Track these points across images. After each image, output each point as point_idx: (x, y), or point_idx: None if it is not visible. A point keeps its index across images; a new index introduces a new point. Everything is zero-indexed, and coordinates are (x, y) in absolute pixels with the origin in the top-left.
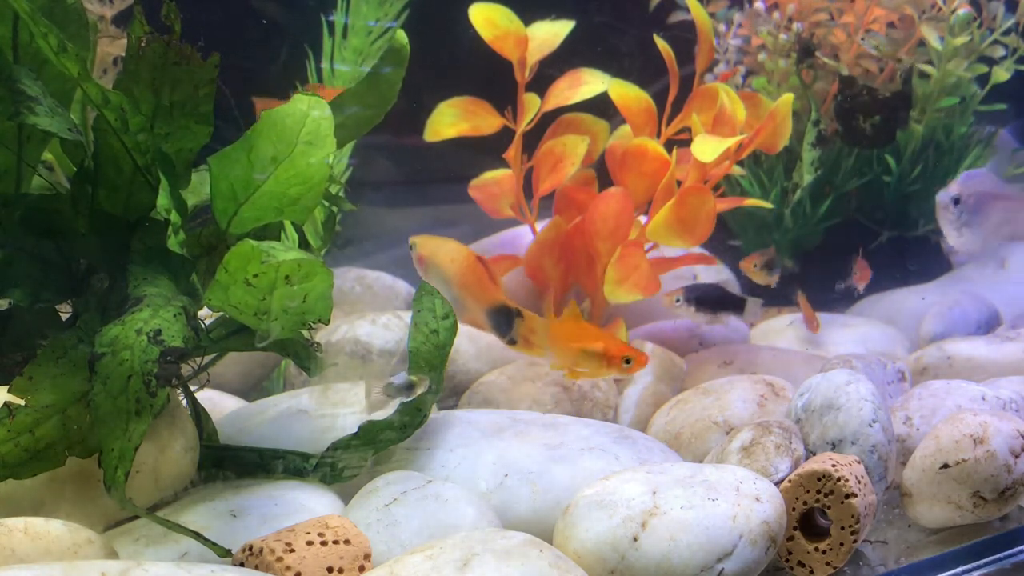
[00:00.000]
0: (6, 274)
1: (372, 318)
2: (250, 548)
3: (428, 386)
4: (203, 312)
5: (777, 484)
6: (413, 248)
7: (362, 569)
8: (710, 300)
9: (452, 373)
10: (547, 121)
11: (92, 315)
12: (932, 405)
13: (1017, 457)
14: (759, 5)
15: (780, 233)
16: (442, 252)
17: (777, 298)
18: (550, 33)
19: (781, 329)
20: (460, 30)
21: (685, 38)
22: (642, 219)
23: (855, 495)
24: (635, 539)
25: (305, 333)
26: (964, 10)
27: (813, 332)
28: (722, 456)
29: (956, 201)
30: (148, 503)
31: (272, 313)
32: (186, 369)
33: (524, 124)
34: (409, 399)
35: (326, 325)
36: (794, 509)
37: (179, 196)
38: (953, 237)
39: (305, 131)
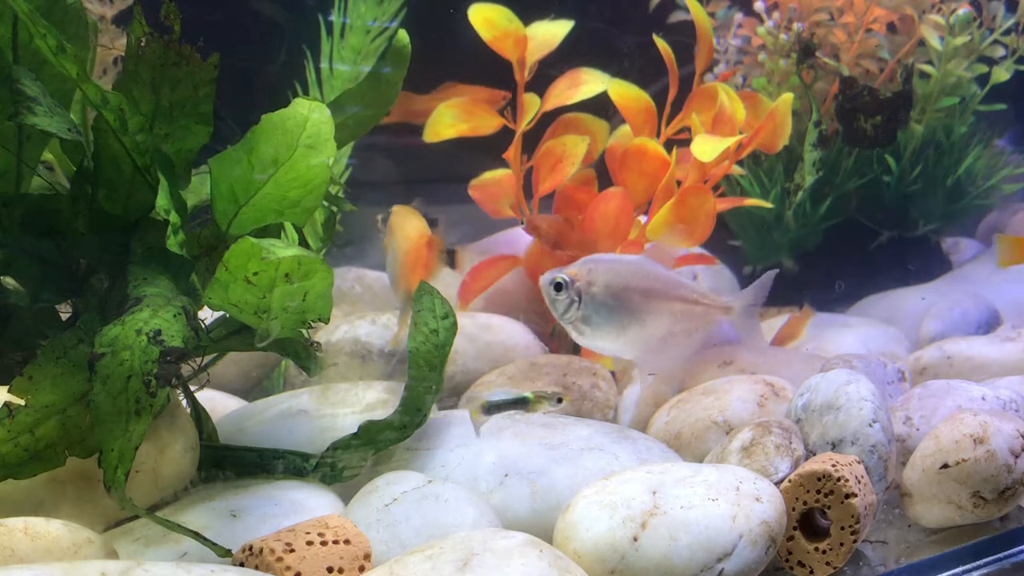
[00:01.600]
0: (6, 274)
1: (372, 318)
2: (250, 548)
3: (557, 399)
4: (203, 312)
5: (777, 484)
6: (387, 214)
7: (362, 569)
8: None
9: (452, 373)
10: (547, 121)
11: (92, 315)
12: (932, 405)
13: (1017, 457)
14: (759, 5)
15: (780, 233)
16: (406, 227)
17: (777, 298)
18: (549, 33)
19: None
20: (460, 30)
21: (684, 39)
22: (642, 219)
23: (855, 495)
24: (635, 539)
25: (305, 332)
26: (964, 10)
27: (767, 343)
28: (722, 456)
29: (559, 287)
30: (148, 503)
31: (272, 311)
32: (186, 369)
33: (524, 124)
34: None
35: (326, 324)
36: (794, 509)
37: (179, 196)
38: (571, 332)
39: (306, 134)
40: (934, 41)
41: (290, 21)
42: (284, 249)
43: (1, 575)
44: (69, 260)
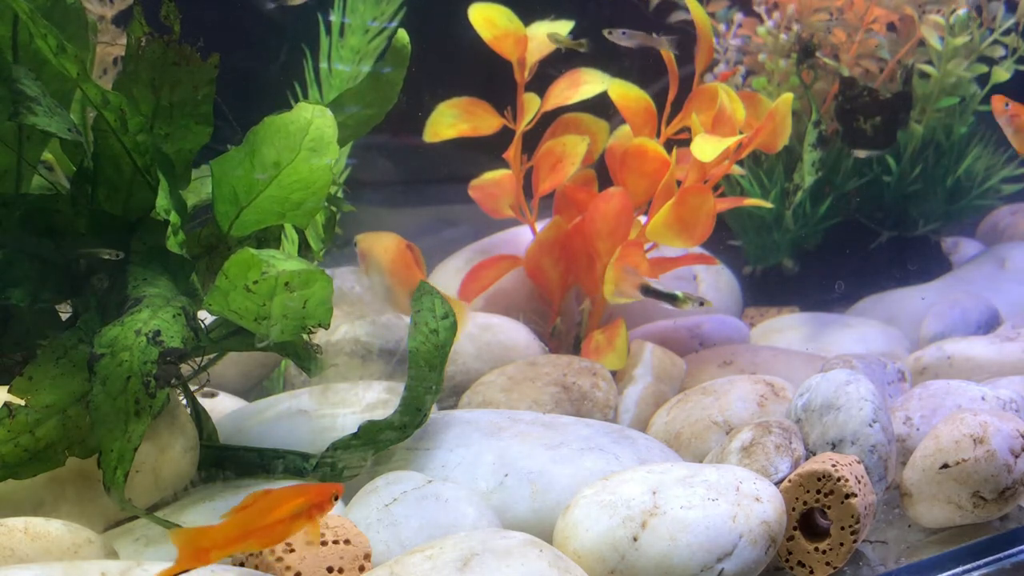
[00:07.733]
0: (6, 274)
1: (372, 318)
2: None
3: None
4: (202, 312)
5: (777, 484)
6: (356, 245)
7: (362, 569)
8: None
9: (452, 373)
10: (547, 121)
11: (92, 315)
12: (932, 405)
13: (1017, 457)
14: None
15: (780, 233)
16: (378, 246)
17: (777, 298)
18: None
19: (781, 329)
20: (460, 30)
21: (685, 36)
22: (642, 219)
23: (855, 495)
24: (635, 539)
25: (304, 336)
26: (964, 10)
27: None
28: (722, 456)
29: None
30: (148, 503)
31: (272, 318)
32: (186, 369)
33: (524, 124)
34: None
35: (326, 329)
36: (794, 509)
37: (179, 196)
38: None
39: (309, 138)
40: (934, 41)
41: (288, 20)
42: (283, 262)
43: (1, 575)
44: (69, 260)
